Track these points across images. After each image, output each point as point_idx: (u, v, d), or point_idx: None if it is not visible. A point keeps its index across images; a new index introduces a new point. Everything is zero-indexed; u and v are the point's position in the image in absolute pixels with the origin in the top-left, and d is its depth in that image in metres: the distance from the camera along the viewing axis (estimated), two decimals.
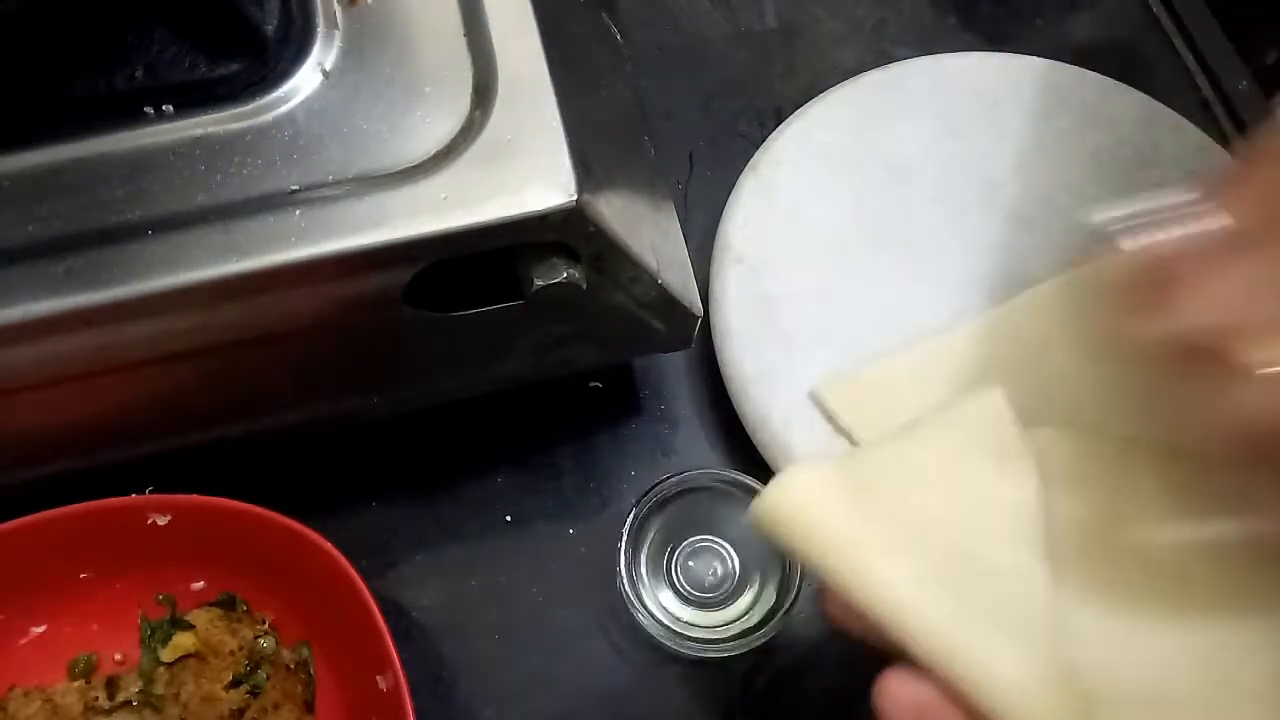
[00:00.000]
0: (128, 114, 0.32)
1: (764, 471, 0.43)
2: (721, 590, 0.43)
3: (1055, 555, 0.27)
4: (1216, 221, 0.26)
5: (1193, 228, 0.26)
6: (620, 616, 0.43)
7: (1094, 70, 0.51)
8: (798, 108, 0.51)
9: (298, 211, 0.31)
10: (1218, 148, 0.50)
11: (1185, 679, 0.26)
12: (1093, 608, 0.27)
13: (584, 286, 0.34)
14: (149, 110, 0.32)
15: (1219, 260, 0.25)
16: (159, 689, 0.41)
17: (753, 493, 0.41)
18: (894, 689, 0.26)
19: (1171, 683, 0.26)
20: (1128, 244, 0.27)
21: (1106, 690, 0.26)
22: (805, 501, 0.28)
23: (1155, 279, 0.25)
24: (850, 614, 0.28)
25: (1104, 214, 0.27)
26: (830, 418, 0.44)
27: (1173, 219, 0.26)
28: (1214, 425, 0.24)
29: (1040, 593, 0.27)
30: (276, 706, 0.40)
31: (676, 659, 0.43)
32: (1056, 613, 0.26)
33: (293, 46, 0.34)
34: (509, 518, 0.45)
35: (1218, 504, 0.29)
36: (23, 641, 0.40)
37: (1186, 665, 0.26)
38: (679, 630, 0.40)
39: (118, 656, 0.41)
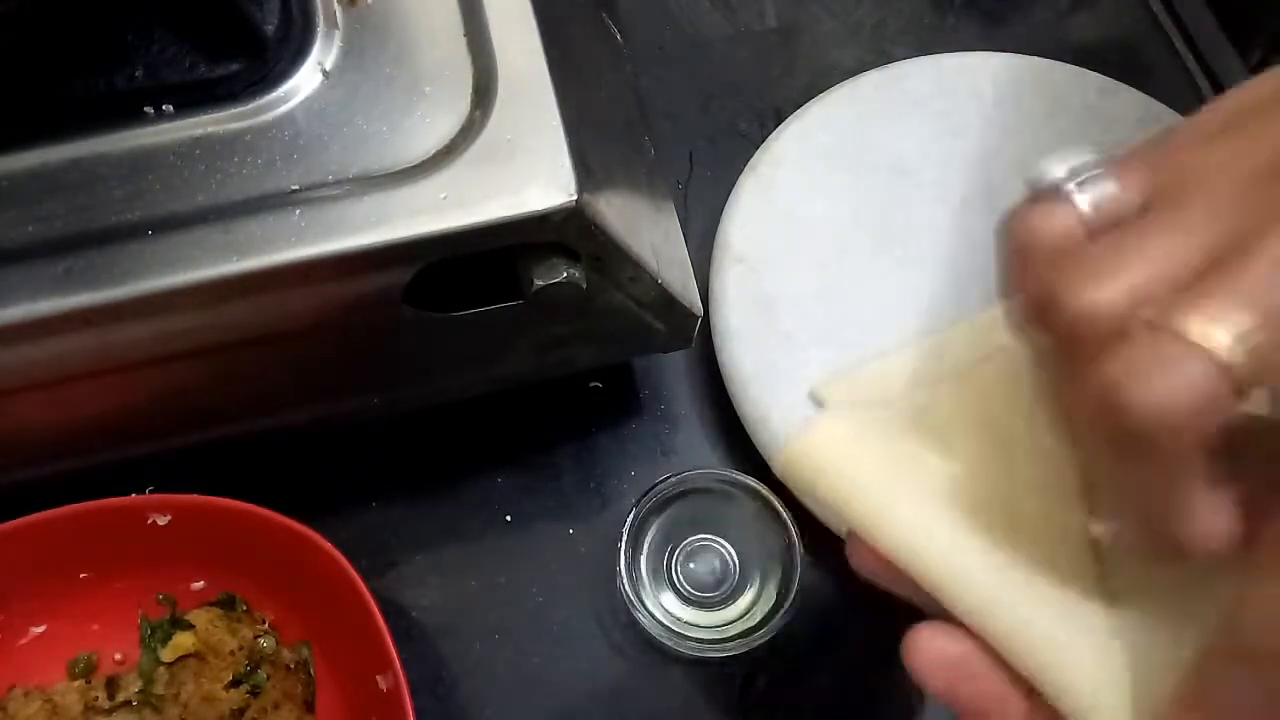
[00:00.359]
0: (128, 114, 0.32)
1: (764, 471, 0.43)
2: (721, 590, 0.43)
3: (1091, 503, 0.26)
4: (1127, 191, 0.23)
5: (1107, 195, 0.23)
6: (620, 616, 0.43)
7: (1094, 70, 0.51)
8: (798, 108, 0.51)
9: (298, 211, 0.31)
10: None
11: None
12: (1132, 553, 0.26)
13: (584, 286, 0.34)
14: (149, 110, 0.32)
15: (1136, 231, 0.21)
16: (159, 689, 0.41)
17: (752, 492, 0.41)
18: (925, 644, 0.25)
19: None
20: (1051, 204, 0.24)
21: (1142, 641, 0.25)
22: (833, 446, 0.28)
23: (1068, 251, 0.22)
24: (879, 562, 0.26)
25: (1049, 166, 0.25)
26: None
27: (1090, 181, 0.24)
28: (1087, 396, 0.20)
29: (1075, 542, 0.26)
30: (276, 706, 0.40)
31: (676, 659, 0.43)
32: (1094, 563, 0.26)
33: (293, 46, 0.34)
34: (509, 518, 0.45)
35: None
36: (23, 641, 0.40)
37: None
38: (679, 630, 0.40)
39: (118, 656, 0.41)
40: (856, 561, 0.28)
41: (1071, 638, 0.25)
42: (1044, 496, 0.26)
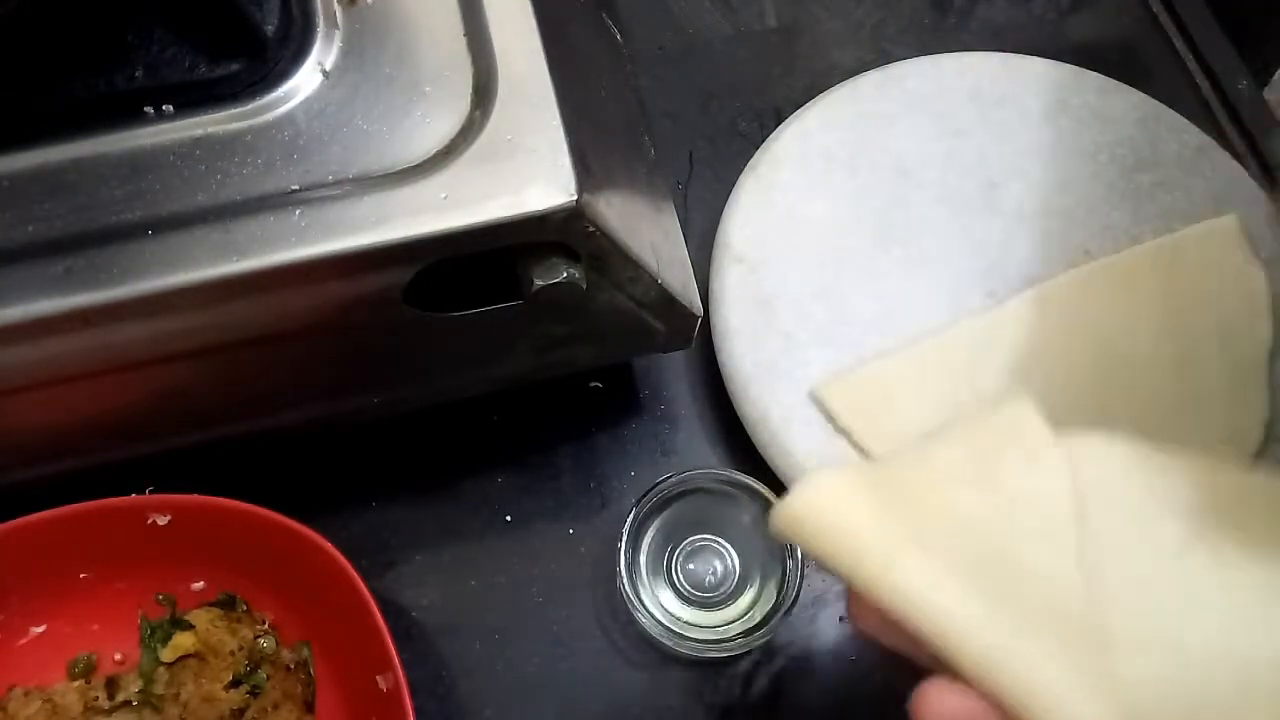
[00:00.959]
0: (128, 114, 0.32)
1: (764, 471, 0.43)
2: (721, 590, 0.43)
3: (1090, 559, 0.26)
4: None
5: None
6: (620, 616, 0.43)
7: (1094, 70, 0.51)
8: (798, 108, 0.51)
9: (298, 211, 0.31)
10: (1218, 148, 0.50)
11: (1228, 690, 0.25)
12: (1130, 614, 0.26)
13: (584, 286, 0.34)
14: (149, 110, 0.32)
15: None
16: (159, 689, 0.41)
17: (752, 492, 0.41)
18: (934, 701, 0.25)
19: (1214, 694, 0.25)
20: None
21: (1147, 701, 0.25)
22: (831, 505, 0.27)
23: None
24: (882, 622, 0.26)
25: None
26: (830, 417, 0.44)
27: None
28: None
29: (1077, 597, 0.26)
30: (276, 706, 0.40)
31: (676, 659, 0.43)
32: (1093, 619, 0.25)
33: (293, 46, 0.34)
34: (509, 518, 0.45)
35: (1261, 507, 0.27)
36: (23, 641, 0.40)
37: (1229, 675, 0.25)
38: (679, 630, 0.40)
39: (118, 656, 0.41)
40: (858, 621, 0.27)
41: (1079, 694, 0.24)
42: (1049, 547, 0.26)
